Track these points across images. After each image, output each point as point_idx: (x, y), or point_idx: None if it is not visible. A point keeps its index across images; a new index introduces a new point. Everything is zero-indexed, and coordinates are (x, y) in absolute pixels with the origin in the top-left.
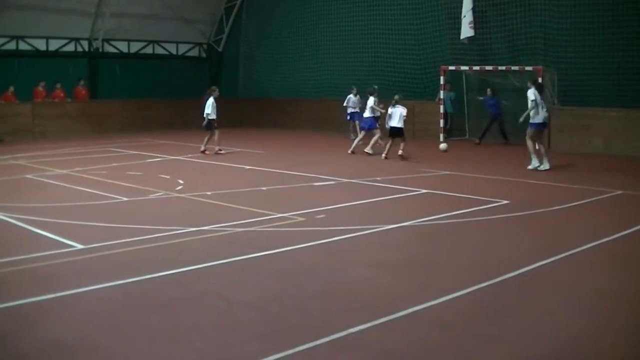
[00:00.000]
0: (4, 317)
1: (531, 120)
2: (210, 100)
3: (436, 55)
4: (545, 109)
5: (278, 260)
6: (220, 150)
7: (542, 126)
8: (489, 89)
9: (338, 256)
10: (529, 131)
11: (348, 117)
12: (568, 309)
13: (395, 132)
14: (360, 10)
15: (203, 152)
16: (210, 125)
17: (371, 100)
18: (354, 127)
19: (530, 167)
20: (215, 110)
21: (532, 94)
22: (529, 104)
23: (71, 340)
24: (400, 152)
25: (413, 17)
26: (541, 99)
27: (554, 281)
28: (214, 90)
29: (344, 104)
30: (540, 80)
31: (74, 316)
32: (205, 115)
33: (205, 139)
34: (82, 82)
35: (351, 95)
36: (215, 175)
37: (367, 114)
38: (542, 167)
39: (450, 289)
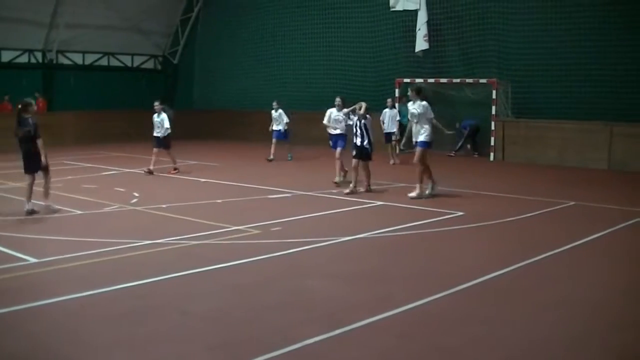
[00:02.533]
0: None
1: (419, 138)
2: (164, 115)
3: (391, 67)
4: (430, 125)
5: (233, 273)
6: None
7: (429, 145)
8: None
9: (293, 268)
10: (419, 151)
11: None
12: (522, 317)
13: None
14: (316, 23)
15: (176, 170)
16: (168, 142)
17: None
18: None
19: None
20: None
21: (419, 107)
22: (411, 117)
23: (28, 353)
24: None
25: (368, 30)
26: (423, 112)
27: (508, 291)
28: (162, 105)
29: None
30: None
31: (30, 329)
32: (165, 132)
33: (161, 159)
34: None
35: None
36: (170, 188)
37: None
38: (427, 192)
39: (407, 300)
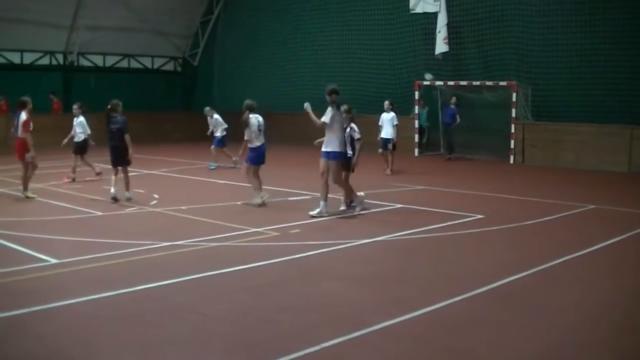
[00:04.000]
0: None
1: (330, 148)
2: (82, 119)
3: (411, 70)
4: (341, 133)
5: (251, 275)
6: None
7: (344, 157)
8: (454, 98)
9: (311, 270)
10: (332, 166)
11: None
12: (536, 322)
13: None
14: (334, 26)
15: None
16: (86, 146)
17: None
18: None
19: (313, 212)
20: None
21: (328, 112)
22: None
23: (43, 354)
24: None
25: (388, 32)
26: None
27: (524, 295)
28: (81, 107)
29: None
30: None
31: (47, 330)
32: (87, 136)
33: (78, 163)
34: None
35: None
36: (190, 190)
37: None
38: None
39: (423, 303)
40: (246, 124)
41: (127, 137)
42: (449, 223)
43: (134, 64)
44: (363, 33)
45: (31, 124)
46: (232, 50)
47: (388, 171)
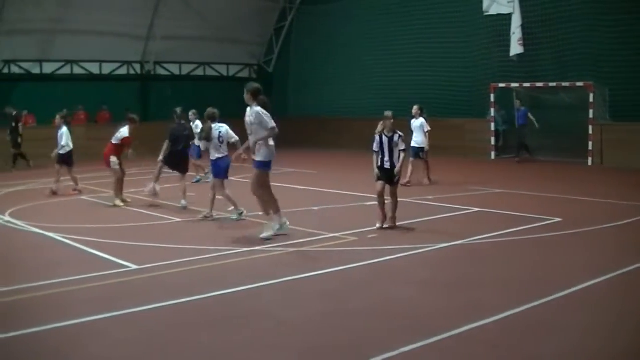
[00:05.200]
0: (58, 336)
1: (256, 157)
2: (65, 129)
3: (485, 72)
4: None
5: (328, 280)
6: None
7: (268, 166)
8: (517, 101)
9: (388, 275)
10: (255, 175)
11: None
12: (616, 327)
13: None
14: (408, 29)
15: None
16: (70, 159)
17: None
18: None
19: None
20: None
21: (253, 114)
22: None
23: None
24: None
25: (461, 35)
26: (257, 122)
27: (604, 299)
28: (64, 117)
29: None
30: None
31: (127, 336)
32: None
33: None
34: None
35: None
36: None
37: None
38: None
39: (500, 308)
40: (208, 135)
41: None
42: (526, 227)
43: (210, 72)
44: (436, 36)
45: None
46: (307, 56)
47: (425, 181)
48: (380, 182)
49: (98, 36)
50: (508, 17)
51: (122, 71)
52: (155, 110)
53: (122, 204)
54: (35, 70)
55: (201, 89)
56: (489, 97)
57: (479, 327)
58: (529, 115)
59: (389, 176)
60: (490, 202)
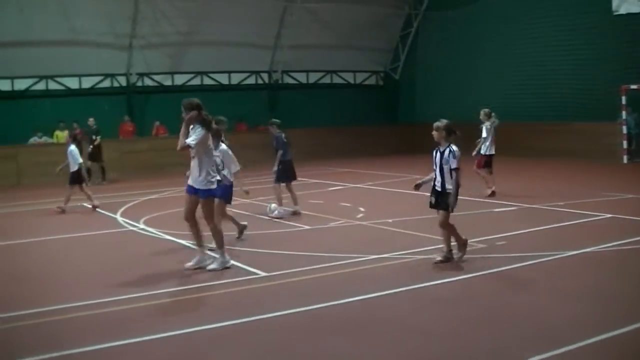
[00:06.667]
0: (190, 341)
1: (195, 184)
2: (73, 147)
3: (616, 74)
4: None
5: (455, 287)
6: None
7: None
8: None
9: (516, 283)
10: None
11: None
12: None
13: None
14: (533, 33)
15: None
16: (80, 176)
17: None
18: None
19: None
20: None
21: (194, 132)
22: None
23: None
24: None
25: (589, 36)
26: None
27: None
28: (72, 136)
29: None
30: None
31: (254, 342)
32: (80, 166)
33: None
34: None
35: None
36: (396, 203)
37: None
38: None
39: (629, 320)
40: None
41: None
42: None
43: (337, 80)
44: (562, 39)
45: None
46: (433, 62)
47: (488, 191)
48: (440, 212)
49: (226, 47)
50: (638, 16)
51: (251, 81)
52: (284, 118)
53: None
54: (167, 82)
55: (328, 96)
56: (620, 99)
57: (608, 339)
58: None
59: (440, 201)
60: (623, 208)
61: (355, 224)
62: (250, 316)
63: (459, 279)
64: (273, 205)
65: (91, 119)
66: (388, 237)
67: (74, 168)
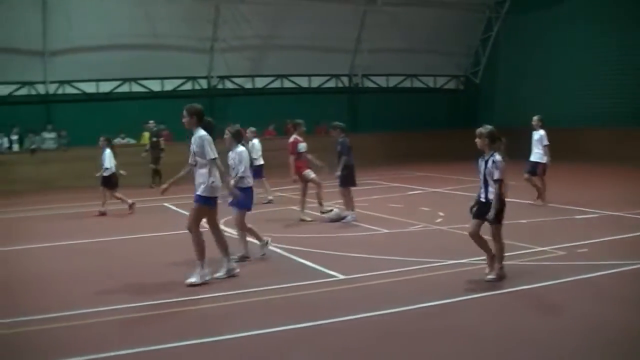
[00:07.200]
0: (262, 342)
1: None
2: (108, 150)
3: None
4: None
5: (532, 296)
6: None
7: (207, 202)
8: None
9: (597, 292)
10: (193, 210)
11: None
12: None
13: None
14: (617, 34)
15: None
16: (114, 180)
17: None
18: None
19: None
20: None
21: (196, 140)
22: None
23: None
24: None
25: None
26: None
27: None
28: (107, 140)
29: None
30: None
31: (329, 345)
32: (113, 170)
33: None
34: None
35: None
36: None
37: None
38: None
39: None
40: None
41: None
42: None
43: (417, 84)
44: None
45: (299, 146)
46: (514, 66)
47: (539, 201)
48: (474, 221)
49: (306, 50)
50: None
51: (331, 84)
52: (364, 121)
53: (308, 219)
54: (248, 85)
55: (407, 101)
56: None
57: None
58: None
59: (481, 212)
60: None
61: (434, 229)
62: (327, 319)
63: (534, 287)
64: (335, 210)
65: (151, 122)
66: (466, 243)
67: (107, 172)
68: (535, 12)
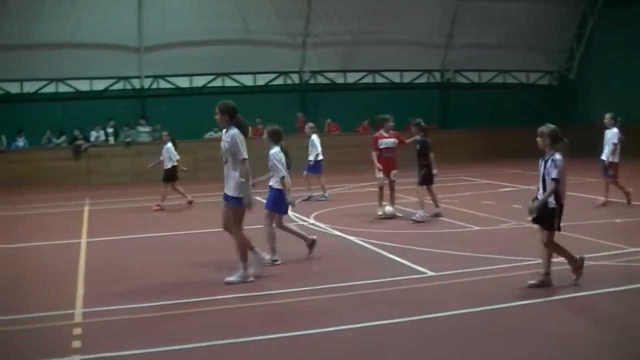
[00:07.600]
0: (362, 335)
1: (226, 191)
2: (170, 144)
3: None
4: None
5: (607, 299)
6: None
7: (242, 203)
8: None
9: None
10: (232, 213)
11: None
12: None
13: None
14: None
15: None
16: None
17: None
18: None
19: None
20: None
21: (228, 137)
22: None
23: None
24: None
25: None
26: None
27: None
28: (169, 134)
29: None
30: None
31: (418, 341)
32: (175, 163)
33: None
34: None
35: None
36: (571, 205)
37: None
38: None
39: None
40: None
41: (431, 155)
42: None
43: (509, 80)
44: None
45: (380, 142)
46: (611, 61)
47: (601, 199)
48: (542, 232)
49: (398, 46)
50: None
51: (423, 80)
52: (455, 117)
53: (380, 214)
54: (339, 80)
55: (499, 96)
56: None
57: None
58: None
59: (539, 216)
60: None
61: (526, 227)
62: (415, 315)
63: (610, 291)
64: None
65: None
66: (559, 242)
67: (168, 165)
68: (630, 7)
